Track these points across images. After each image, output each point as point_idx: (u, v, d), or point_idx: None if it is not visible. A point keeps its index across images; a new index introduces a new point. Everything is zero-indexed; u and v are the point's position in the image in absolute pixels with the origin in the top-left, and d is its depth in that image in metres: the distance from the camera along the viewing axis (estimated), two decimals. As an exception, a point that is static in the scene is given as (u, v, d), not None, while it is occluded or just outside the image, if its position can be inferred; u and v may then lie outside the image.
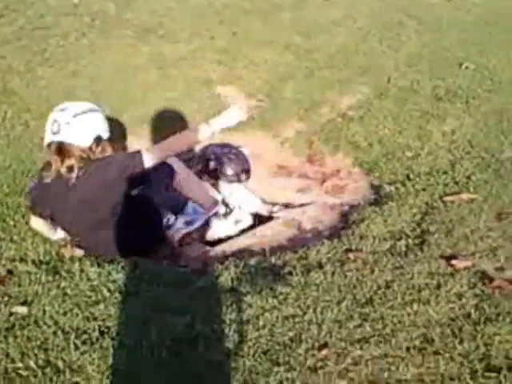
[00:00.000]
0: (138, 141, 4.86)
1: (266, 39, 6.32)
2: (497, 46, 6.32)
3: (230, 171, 4.31)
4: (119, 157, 3.50)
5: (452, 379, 2.43)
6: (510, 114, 4.99)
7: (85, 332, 2.65)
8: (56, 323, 2.71)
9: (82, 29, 6.17)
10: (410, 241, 3.44)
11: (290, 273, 3.15)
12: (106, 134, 3.51)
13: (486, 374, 2.44)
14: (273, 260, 3.33)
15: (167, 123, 4.96)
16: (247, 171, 4.36)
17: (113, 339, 2.61)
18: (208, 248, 3.80)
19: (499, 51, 6.19)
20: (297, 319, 2.78)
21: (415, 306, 2.85)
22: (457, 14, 7.19)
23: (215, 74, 5.70)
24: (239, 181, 4.32)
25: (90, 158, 3.40)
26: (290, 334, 2.69)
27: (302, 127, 5.04)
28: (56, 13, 6.43)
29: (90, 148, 3.41)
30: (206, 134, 3.50)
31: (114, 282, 3.02)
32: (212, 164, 4.34)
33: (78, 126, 3.39)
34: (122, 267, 3.18)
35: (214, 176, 4.32)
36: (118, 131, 4.60)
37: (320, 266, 3.20)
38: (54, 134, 3.38)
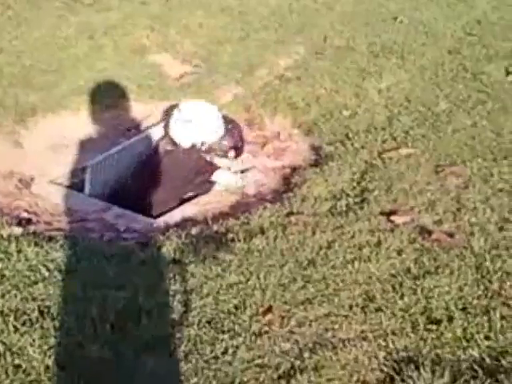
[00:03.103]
0: (73, 114, 4.73)
1: (199, 3, 6.19)
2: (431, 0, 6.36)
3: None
4: None
5: (394, 334, 2.47)
6: (444, 67, 5.04)
7: (24, 313, 2.58)
8: (-6, 306, 2.64)
9: (6, 2, 5.93)
10: (350, 200, 3.47)
11: (233, 239, 3.13)
12: None
13: (428, 326, 2.50)
14: (215, 228, 3.30)
15: (100, 95, 4.84)
16: (237, 148, 4.26)
17: (53, 319, 2.55)
18: (149, 220, 3.75)
19: (432, 4, 6.23)
20: (240, 286, 2.77)
21: (356, 264, 2.89)
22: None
23: (148, 41, 5.56)
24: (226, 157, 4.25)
25: None
26: (234, 301, 2.68)
27: (239, 91, 4.98)
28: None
29: None
30: None
31: (52, 260, 2.94)
32: None
33: None
34: (61, 245, 3.10)
35: None
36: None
37: (262, 231, 3.19)
38: None
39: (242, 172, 4.17)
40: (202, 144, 4.28)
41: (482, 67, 4.97)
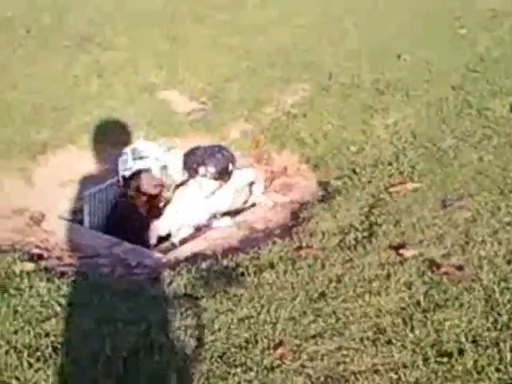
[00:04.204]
0: (80, 151, 4.80)
1: (206, 41, 6.32)
2: (433, 38, 6.47)
3: (211, 170, 4.26)
4: None
5: (405, 367, 2.48)
6: (449, 103, 5.12)
7: (37, 349, 2.60)
8: (8, 342, 2.65)
9: (17, 41, 6.06)
10: (358, 234, 3.49)
11: (243, 274, 3.16)
12: None
13: (438, 359, 2.50)
14: (225, 262, 3.33)
15: (109, 132, 4.91)
16: (222, 168, 4.29)
17: (67, 355, 2.57)
18: (159, 255, 3.78)
19: (434, 42, 6.34)
20: (252, 320, 2.78)
21: (366, 298, 2.90)
22: (393, 8, 7.32)
23: (156, 79, 5.66)
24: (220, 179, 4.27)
25: None
26: (246, 335, 2.69)
27: (247, 127, 5.06)
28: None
29: None
30: None
31: (64, 296, 2.97)
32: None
33: None
34: (73, 281, 3.13)
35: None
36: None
37: (272, 265, 3.22)
38: None
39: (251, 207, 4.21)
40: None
41: (487, 103, 5.04)
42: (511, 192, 3.74)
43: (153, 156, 4.19)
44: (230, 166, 4.30)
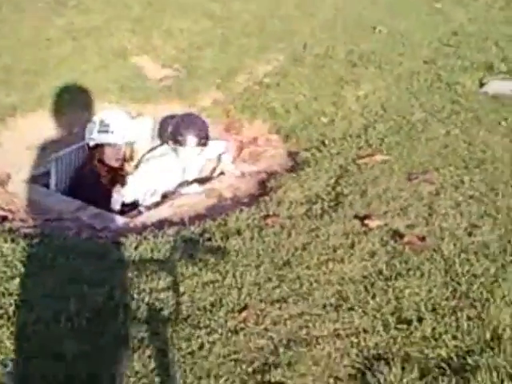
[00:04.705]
0: (50, 114, 4.75)
1: (182, 8, 6.25)
2: (408, 9, 6.49)
3: (184, 137, 4.24)
4: None
5: (366, 332, 2.54)
6: (420, 77, 5.16)
7: (1, 307, 2.61)
8: (-30, 300, 2.66)
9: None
10: (325, 204, 3.54)
11: (209, 239, 3.19)
12: None
13: (398, 325, 2.56)
14: (192, 228, 3.35)
15: (80, 96, 4.86)
16: (202, 137, 4.29)
17: (30, 313, 2.58)
18: (125, 219, 3.78)
19: (410, 15, 6.36)
20: (216, 284, 2.82)
21: (330, 265, 2.96)
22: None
23: (130, 44, 5.61)
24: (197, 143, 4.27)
25: None
26: (211, 298, 2.73)
27: (218, 96, 5.04)
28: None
29: None
30: None
31: (28, 256, 2.97)
32: (169, 132, 4.29)
33: None
34: (37, 242, 3.13)
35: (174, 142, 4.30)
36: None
37: (238, 232, 3.25)
38: None
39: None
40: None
41: (457, 78, 5.09)
42: (476, 167, 3.80)
43: (117, 132, 4.17)
44: (209, 134, 4.32)
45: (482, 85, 5.01)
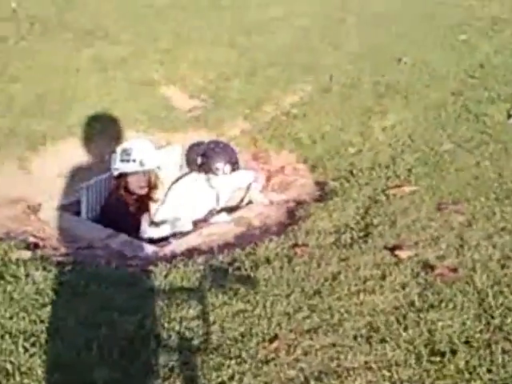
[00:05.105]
0: (80, 143, 4.82)
1: (208, 39, 6.34)
2: (433, 41, 6.51)
3: (217, 165, 4.26)
4: None
5: (398, 365, 2.50)
6: (447, 108, 5.15)
7: (33, 335, 2.62)
8: (3, 327, 2.67)
9: (21, 33, 6.07)
10: (354, 233, 3.52)
11: (239, 268, 3.18)
12: None
13: (431, 358, 2.53)
14: (221, 257, 3.35)
15: (109, 126, 4.93)
16: (234, 163, 4.30)
17: (62, 341, 2.58)
18: (155, 248, 3.80)
19: (436, 46, 6.37)
20: (246, 314, 2.81)
21: (361, 296, 2.93)
22: (395, 11, 7.36)
23: (158, 74, 5.68)
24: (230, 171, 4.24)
25: None
26: (241, 328, 2.71)
27: (246, 126, 5.08)
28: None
29: None
30: None
31: (60, 284, 2.99)
32: (199, 160, 4.28)
33: None
34: (69, 270, 3.15)
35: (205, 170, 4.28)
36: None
37: (268, 261, 3.24)
38: None
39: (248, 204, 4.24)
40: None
41: (485, 109, 5.08)
42: (506, 198, 3.78)
43: (139, 160, 4.19)
44: (239, 160, 4.31)
45: (509, 116, 4.99)
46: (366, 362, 2.53)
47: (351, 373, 2.46)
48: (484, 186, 3.96)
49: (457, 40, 6.62)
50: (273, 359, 2.54)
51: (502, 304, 2.83)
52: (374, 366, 2.50)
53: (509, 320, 2.71)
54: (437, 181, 4.07)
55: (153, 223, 4.22)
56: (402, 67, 5.93)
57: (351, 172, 4.32)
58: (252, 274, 3.11)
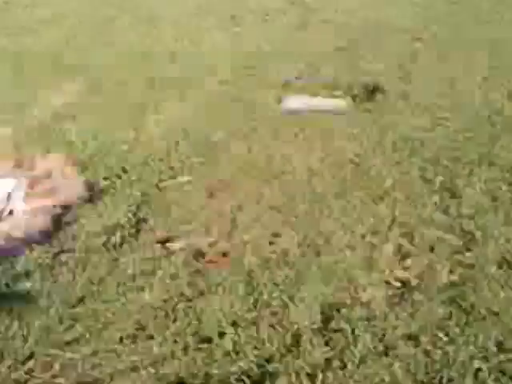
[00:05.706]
0: None
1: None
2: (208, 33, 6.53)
3: None
4: None
5: (165, 359, 2.39)
6: (221, 98, 5.15)
7: None
8: None
9: None
10: (125, 232, 3.36)
11: (-10, 286, 2.87)
12: None
13: (199, 345, 2.44)
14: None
15: None
16: None
17: None
18: None
19: (211, 38, 6.41)
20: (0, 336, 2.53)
21: (129, 295, 2.79)
22: (171, 6, 7.28)
23: None
24: None
25: None
26: (-6, 351, 2.43)
27: (6, 131, 4.68)
28: None
29: None
30: None
31: None
32: None
33: None
34: None
35: None
36: None
37: (27, 274, 2.97)
38: None
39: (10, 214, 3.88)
40: None
41: (256, 96, 5.14)
42: (274, 178, 3.82)
43: None
44: None
45: (280, 101, 5.09)
46: (131, 363, 2.38)
47: (115, 377, 2.30)
48: (254, 170, 3.97)
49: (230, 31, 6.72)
50: (27, 380, 2.29)
51: (269, 280, 2.83)
52: (139, 365, 2.36)
53: (275, 294, 2.70)
54: (209, 169, 4.02)
55: None
56: (175, 62, 5.87)
57: (123, 169, 4.13)
58: (8, 291, 2.81)
